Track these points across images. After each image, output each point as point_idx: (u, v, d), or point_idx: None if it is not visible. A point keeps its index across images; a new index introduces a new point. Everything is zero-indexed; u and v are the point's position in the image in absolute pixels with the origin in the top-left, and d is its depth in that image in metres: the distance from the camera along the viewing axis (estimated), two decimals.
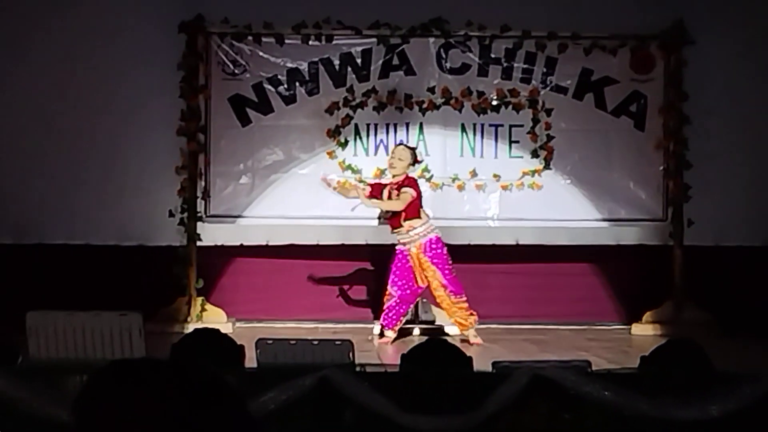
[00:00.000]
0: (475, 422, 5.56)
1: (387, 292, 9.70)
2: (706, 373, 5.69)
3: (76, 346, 5.94)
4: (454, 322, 9.69)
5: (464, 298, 9.64)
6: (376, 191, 9.82)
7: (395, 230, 9.69)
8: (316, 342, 5.99)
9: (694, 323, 10.11)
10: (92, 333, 5.95)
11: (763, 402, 5.54)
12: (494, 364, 5.85)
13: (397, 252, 9.71)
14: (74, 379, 5.55)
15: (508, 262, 10.94)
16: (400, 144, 10.02)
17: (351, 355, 5.87)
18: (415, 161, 9.78)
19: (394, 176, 9.76)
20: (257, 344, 5.93)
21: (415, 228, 9.60)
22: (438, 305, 9.85)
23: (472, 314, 9.68)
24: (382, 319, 9.72)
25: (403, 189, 9.57)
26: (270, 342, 5.93)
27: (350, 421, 5.63)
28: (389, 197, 9.65)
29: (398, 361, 5.97)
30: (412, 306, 9.87)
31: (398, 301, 9.65)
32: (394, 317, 9.66)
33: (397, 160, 9.69)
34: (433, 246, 9.60)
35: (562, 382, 5.55)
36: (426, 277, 9.60)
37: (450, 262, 9.63)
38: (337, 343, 5.96)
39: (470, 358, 5.98)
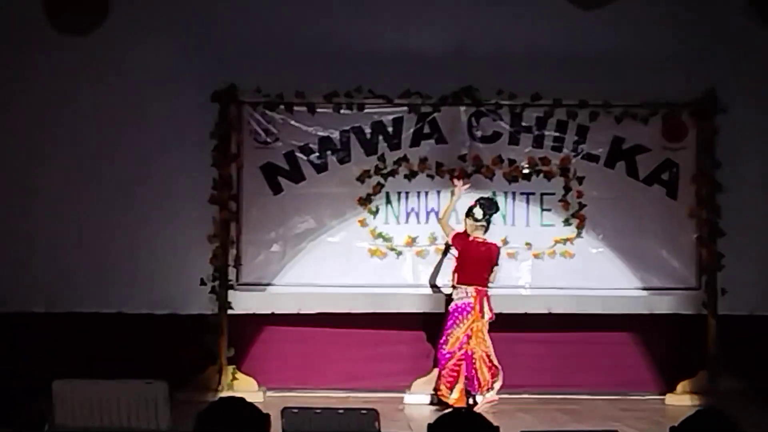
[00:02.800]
0: None
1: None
2: None
3: (102, 415, 5.92)
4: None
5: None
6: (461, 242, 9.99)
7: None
8: (341, 411, 5.94)
9: (729, 393, 10.01)
10: (118, 402, 5.94)
11: None
12: None
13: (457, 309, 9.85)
14: None
15: (540, 331, 10.84)
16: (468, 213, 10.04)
17: (377, 424, 5.82)
18: (474, 217, 9.96)
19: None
20: (283, 413, 5.89)
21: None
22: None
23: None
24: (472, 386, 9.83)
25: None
26: (296, 411, 5.89)
27: None
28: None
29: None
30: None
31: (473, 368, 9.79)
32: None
33: (471, 228, 9.91)
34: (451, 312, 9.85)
35: None
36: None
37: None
38: (363, 412, 5.91)
39: (497, 428, 5.90)
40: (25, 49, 10.60)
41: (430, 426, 5.96)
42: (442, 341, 9.79)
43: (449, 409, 8.31)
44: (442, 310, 10.21)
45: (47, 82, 10.60)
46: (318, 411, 5.95)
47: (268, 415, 5.98)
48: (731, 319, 10.42)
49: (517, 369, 10.72)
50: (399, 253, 10.57)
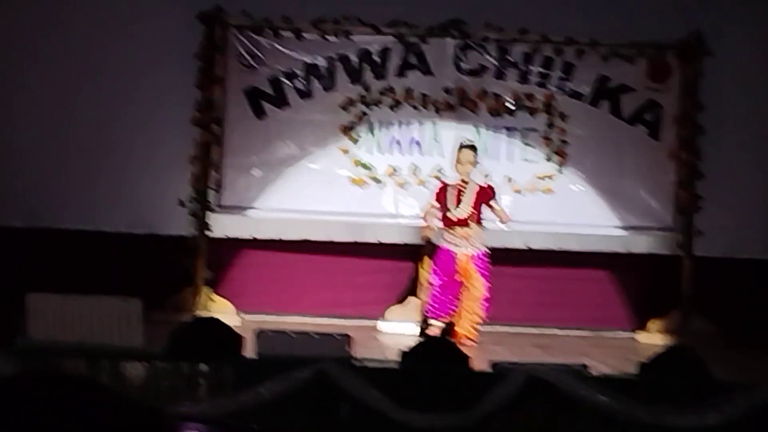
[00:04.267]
0: (470, 421, 5.56)
1: (429, 283, 9.81)
2: (703, 381, 5.68)
3: (74, 330, 5.96)
4: (460, 330, 9.67)
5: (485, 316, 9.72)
6: (441, 197, 9.81)
7: (449, 228, 9.72)
8: (315, 335, 6.00)
9: (700, 334, 10.15)
10: (91, 317, 5.97)
11: (759, 411, 5.53)
12: (492, 364, 5.86)
13: (442, 249, 9.76)
14: (72, 362, 5.57)
15: (518, 265, 10.89)
16: (467, 146, 9.85)
17: (350, 349, 5.87)
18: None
19: (460, 177, 9.77)
20: (257, 335, 5.94)
21: (470, 236, 9.67)
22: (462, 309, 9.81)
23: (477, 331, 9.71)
24: (426, 310, 9.81)
25: (494, 201, 9.72)
26: (270, 333, 5.94)
27: (346, 415, 5.64)
28: (458, 199, 9.70)
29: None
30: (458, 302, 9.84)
31: (440, 291, 9.70)
32: (440, 308, 9.73)
33: (465, 160, 9.70)
34: (483, 259, 9.71)
35: (559, 385, 5.56)
36: (469, 282, 9.65)
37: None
38: (337, 336, 5.97)
39: (468, 357, 5.98)
40: None
41: (404, 353, 6.04)
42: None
43: (422, 338, 8.43)
44: (420, 242, 10.29)
45: (32, 4, 10.52)
46: (292, 334, 6.00)
47: (241, 336, 6.05)
48: (706, 261, 10.51)
49: (492, 302, 10.79)
50: (380, 183, 10.58)
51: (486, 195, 9.72)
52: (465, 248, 9.69)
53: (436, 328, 9.72)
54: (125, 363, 5.65)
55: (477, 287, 9.64)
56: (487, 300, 9.70)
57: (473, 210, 9.69)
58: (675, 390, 5.63)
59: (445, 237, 9.77)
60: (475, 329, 9.69)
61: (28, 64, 10.52)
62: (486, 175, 10.47)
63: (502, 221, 9.82)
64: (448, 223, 9.73)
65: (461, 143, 9.86)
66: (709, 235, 10.50)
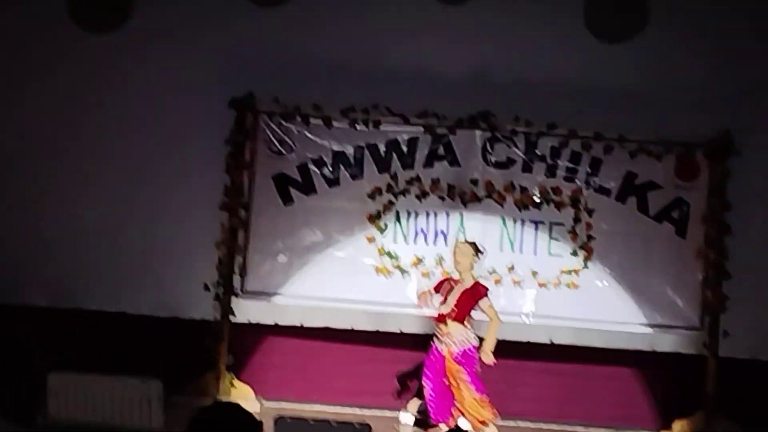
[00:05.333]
0: None
1: (423, 384, 9.80)
2: None
3: (95, 410, 5.93)
4: (469, 418, 9.59)
5: (485, 396, 9.61)
6: (438, 287, 9.92)
7: (436, 324, 9.78)
8: (334, 424, 5.95)
9: None
10: (112, 398, 5.96)
11: None
12: None
13: (432, 348, 9.77)
14: None
15: (542, 360, 10.83)
16: (463, 240, 10.03)
17: None
18: (477, 253, 9.83)
19: (456, 272, 9.84)
20: (276, 421, 5.90)
21: (450, 334, 9.66)
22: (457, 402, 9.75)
23: (492, 411, 9.62)
24: (432, 414, 9.75)
25: (484, 301, 9.71)
26: (289, 420, 5.90)
27: None
28: (445, 297, 9.78)
29: None
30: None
31: (434, 395, 9.68)
32: (437, 412, 9.72)
33: (461, 255, 9.78)
34: (468, 356, 9.67)
35: None
36: (455, 382, 9.64)
37: (477, 364, 9.63)
38: (356, 426, 5.91)
39: None
40: (46, 45, 10.66)
41: None
42: (478, 375, 9.77)
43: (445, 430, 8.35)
44: None
45: (65, 80, 10.66)
46: (311, 422, 5.96)
47: (261, 422, 6.00)
48: (731, 362, 10.40)
49: (516, 397, 10.75)
50: (405, 272, 10.57)
51: (475, 293, 9.74)
52: (447, 346, 9.69)
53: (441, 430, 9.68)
54: None
55: (462, 387, 9.61)
56: (474, 381, 9.62)
57: (455, 308, 9.69)
58: None
59: (435, 333, 9.81)
60: (482, 413, 9.61)
61: (59, 143, 10.64)
62: (510, 268, 10.49)
63: (492, 321, 9.78)
64: (435, 318, 9.80)
65: (458, 238, 9.94)
66: (735, 335, 10.40)
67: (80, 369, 6.86)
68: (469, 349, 9.67)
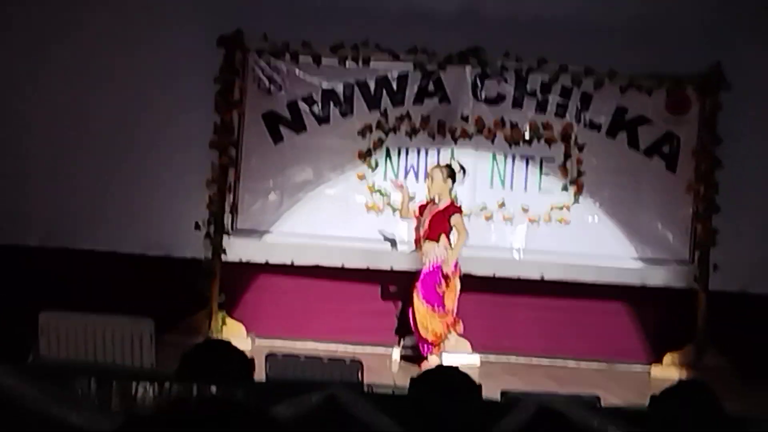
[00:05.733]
0: None
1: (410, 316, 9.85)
2: (715, 415, 5.63)
3: (86, 348, 5.95)
4: (424, 334, 9.68)
5: (442, 311, 9.67)
6: (420, 211, 9.97)
7: (417, 249, 9.94)
8: (326, 360, 5.97)
9: (714, 368, 10.11)
10: (103, 336, 5.97)
11: None
12: (503, 393, 5.82)
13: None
14: (83, 381, 5.55)
15: (533, 296, 10.87)
16: (436, 165, 10.07)
17: (360, 375, 5.85)
18: (451, 177, 9.82)
19: (431, 196, 9.88)
20: (267, 359, 5.92)
21: (427, 253, 9.76)
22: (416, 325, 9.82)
23: (448, 325, 9.71)
24: (420, 345, 9.86)
25: (454, 216, 9.74)
26: (280, 357, 5.92)
27: None
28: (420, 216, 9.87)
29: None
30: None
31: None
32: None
33: (431, 181, 9.83)
34: (432, 271, 9.70)
35: (570, 416, 5.50)
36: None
37: (439, 283, 9.67)
38: (347, 362, 5.94)
39: (480, 386, 5.94)
40: None
41: (412, 380, 6.01)
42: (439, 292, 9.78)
43: (434, 365, 8.39)
44: None
45: (49, 12, 10.56)
46: (302, 358, 5.99)
47: (252, 360, 6.03)
48: (721, 295, 10.46)
49: (507, 332, 10.81)
50: (396, 210, 10.56)
51: (446, 212, 9.77)
52: (425, 267, 9.76)
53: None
54: (136, 383, 5.62)
55: (415, 303, 9.70)
56: (435, 295, 9.68)
57: (427, 228, 9.74)
58: (686, 423, 5.57)
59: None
60: (437, 331, 9.69)
61: (46, 83, 10.58)
62: (501, 204, 10.51)
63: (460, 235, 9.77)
64: (415, 242, 9.99)
65: (433, 164, 9.96)
66: (725, 269, 10.45)
67: (72, 308, 6.87)
68: (437, 266, 9.70)
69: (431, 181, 9.85)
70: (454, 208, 9.83)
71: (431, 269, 9.69)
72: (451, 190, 9.89)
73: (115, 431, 2.54)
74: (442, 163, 10.18)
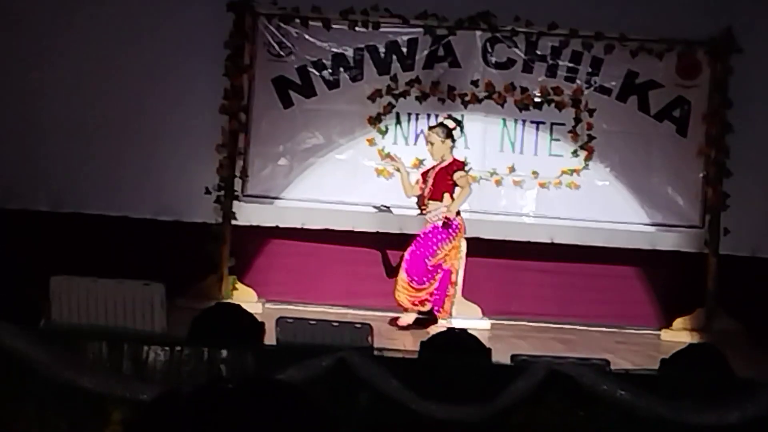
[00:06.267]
0: (490, 413, 5.54)
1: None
2: (725, 379, 5.65)
3: (97, 313, 5.98)
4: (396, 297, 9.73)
5: (418, 286, 9.69)
6: (424, 177, 9.98)
7: (422, 211, 9.94)
8: (336, 324, 5.99)
9: (725, 332, 10.10)
10: (114, 300, 5.99)
11: None
12: (513, 357, 5.84)
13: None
14: (94, 345, 5.59)
15: (543, 260, 10.89)
16: (431, 126, 10.07)
17: (370, 338, 5.87)
18: (449, 136, 9.82)
19: (435, 159, 9.89)
20: (277, 322, 5.94)
21: (432, 212, 9.78)
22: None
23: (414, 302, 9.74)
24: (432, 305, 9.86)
25: (458, 173, 9.75)
26: (290, 321, 5.94)
27: (365, 404, 5.62)
28: (425, 181, 9.87)
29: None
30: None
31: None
32: (439, 299, 9.82)
33: (431, 146, 9.85)
34: (431, 231, 9.71)
35: (579, 379, 5.52)
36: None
37: (434, 250, 9.67)
38: (357, 326, 5.96)
39: (489, 350, 5.98)
40: None
41: (422, 343, 6.04)
42: (428, 264, 9.80)
43: (444, 328, 8.42)
44: None
45: None
46: (312, 322, 6.01)
47: (262, 324, 6.06)
48: (732, 260, 10.45)
49: (517, 296, 10.84)
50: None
51: (449, 168, 9.78)
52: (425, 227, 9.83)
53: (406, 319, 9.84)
54: (147, 347, 5.65)
55: (399, 273, 9.73)
56: (421, 268, 9.68)
57: (431, 187, 9.78)
58: (697, 387, 5.59)
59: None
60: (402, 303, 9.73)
61: (56, 48, 10.57)
62: (511, 169, 10.51)
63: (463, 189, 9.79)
64: (421, 204, 9.95)
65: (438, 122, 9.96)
66: (736, 233, 10.45)
67: (83, 273, 6.88)
68: (435, 227, 9.74)
69: (431, 146, 9.86)
70: (457, 164, 9.83)
71: (429, 230, 9.71)
72: (452, 148, 9.87)
73: (152, 401, 2.55)
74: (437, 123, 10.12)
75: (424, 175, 9.97)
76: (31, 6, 10.56)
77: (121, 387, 5.34)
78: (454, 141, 9.87)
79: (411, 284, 9.67)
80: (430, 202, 9.78)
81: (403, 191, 10.12)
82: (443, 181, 9.75)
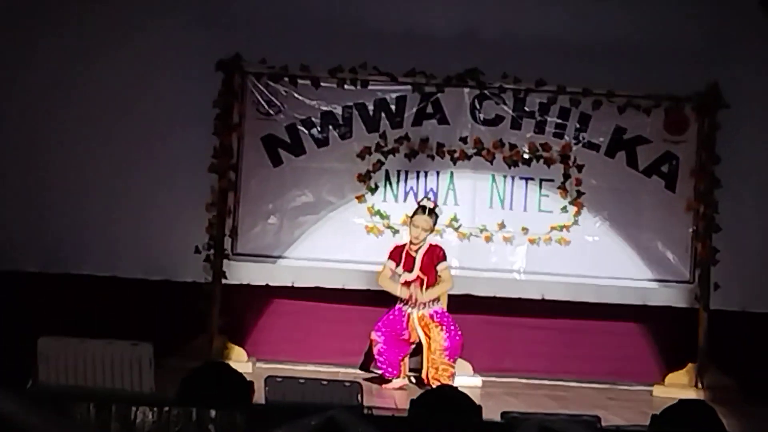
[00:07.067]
0: None
1: (372, 339, 9.94)
2: None
3: (86, 374, 5.94)
4: (432, 378, 9.69)
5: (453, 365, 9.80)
6: (395, 258, 10.05)
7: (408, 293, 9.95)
8: (325, 382, 5.97)
9: (717, 387, 10.13)
10: (102, 361, 5.96)
11: None
12: (503, 414, 5.82)
13: (394, 309, 10.01)
14: (82, 407, 5.56)
15: (534, 317, 10.88)
16: (425, 208, 10.01)
17: (360, 397, 5.85)
18: (434, 217, 10.02)
19: (415, 242, 9.98)
20: (266, 381, 5.92)
21: (426, 298, 9.89)
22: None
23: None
24: (381, 367, 9.98)
25: (441, 265, 9.92)
26: (279, 380, 5.92)
27: None
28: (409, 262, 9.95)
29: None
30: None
31: (385, 348, 9.87)
32: (387, 363, 9.92)
33: (416, 228, 9.95)
34: (441, 314, 9.90)
35: None
36: (430, 336, 9.78)
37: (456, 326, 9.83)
38: (347, 384, 5.94)
39: (480, 407, 5.95)
40: (42, 13, 10.59)
41: (412, 401, 6.01)
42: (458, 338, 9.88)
43: (433, 386, 8.41)
44: None
45: (54, 47, 10.58)
46: (302, 381, 5.99)
47: (251, 383, 6.03)
48: (723, 315, 10.45)
49: (508, 353, 10.82)
50: (396, 232, 10.57)
51: (433, 256, 9.92)
52: (418, 309, 9.90)
53: (394, 384, 9.84)
54: (135, 408, 5.62)
55: (438, 340, 9.74)
56: (457, 346, 9.77)
57: (421, 274, 9.87)
58: None
59: (402, 299, 10.00)
60: (449, 375, 9.74)
61: (49, 109, 10.57)
62: (501, 225, 10.53)
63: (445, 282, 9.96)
64: (405, 285, 9.97)
65: (419, 204, 9.96)
66: (726, 288, 10.45)
67: (72, 335, 6.85)
68: (441, 310, 9.90)
69: (418, 230, 9.94)
70: (439, 252, 10.00)
71: (441, 313, 9.92)
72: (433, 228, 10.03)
73: None
74: (423, 201, 10.16)
75: (397, 255, 10.00)
76: (23, 66, 10.57)
77: None
78: (436, 219, 10.06)
79: (376, 341, 9.85)
80: (427, 289, 9.91)
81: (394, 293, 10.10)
82: (430, 268, 9.91)
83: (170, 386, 6.11)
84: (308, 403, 5.65)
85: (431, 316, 9.84)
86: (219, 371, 5.97)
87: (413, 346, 9.98)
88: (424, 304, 9.87)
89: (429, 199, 10.16)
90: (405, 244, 10.06)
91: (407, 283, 9.93)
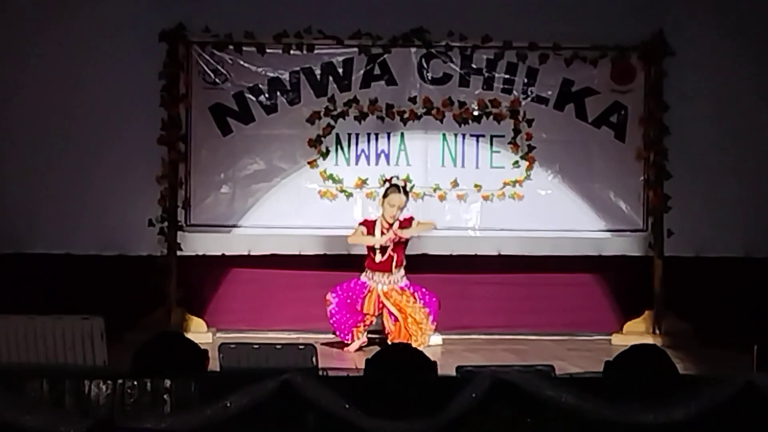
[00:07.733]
0: (437, 426, 5.56)
1: (326, 299, 9.89)
2: (669, 377, 5.69)
3: (37, 351, 5.93)
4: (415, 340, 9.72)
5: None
6: (369, 228, 9.98)
7: (370, 269, 9.95)
8: (279, 347, 5.98)
9: (674, 333, 10.23)
10: (54, 337, 5.95)
11: (725, 404, 5.53)
12: (458, 368, 5.85)
13: (358, 280, 9.99)
14: (35, 383, 5.54)
15: (490, 272, 10.92)
16: (397, 186, 9.99)
17: (314, 359, 5.86)
18: (406, 192, 10.04)
19: (389, 219, 9.94)
20: (220, 348, 5.93)
21: (395, 275, 9.96)
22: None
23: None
24: (334, 328, 9.93)
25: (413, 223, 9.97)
26: (233, 346, 5.93)
27: (313, 425, 5.62)
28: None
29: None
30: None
31: (337, 309, 9.86)
32: (338, 326, 9.90)
33: (392, 207, 9.90)
34: (408, 285, 9.95)
35: (525, 387, 5.55)
36: (406, 310, 9.79)
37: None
38: (301, 347, 5.95)
39: (435, 363, 5.98)
40: None
41: (367, 360, 6.04)
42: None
43: (387, 345, 8.44)
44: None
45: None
46: (255, 346, 5.99)
47: (206, 351, 6.04)
48: (677, 261, 10.54)
49: (466, 310, 10.86)
50: (349, 195, 10.57)
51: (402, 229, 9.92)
52: (384, 285, 9.91)
53: (354, 346, 9.82)
54: (89, 382, 5.62)
55: (416, 311, 9.80)
56: (434, 311, 9.84)
57: (392, 253, 9.88)
58: (641, 387, 5.63)
59: (366, 274, 9.98)
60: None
61: None
62: (454, 183, 10.54)
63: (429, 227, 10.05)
64: (371, 265, 9.94)
65: (392, 183, 9.96)
66: (680, 235, 10.53)
67: (26, 313, 6.82)
68: (407, 283, 9.94)
69: (394, 209, 9.89)
70: (406, 221, 9.99)
71: (407, 285, 9.94)
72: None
73: None
74: (390, 178, 10.15)
75: (371, 227, 9.98)
76: None
77: (65, 423, 5.31)
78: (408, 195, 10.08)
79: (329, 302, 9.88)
80: (397, 269, 9.93)
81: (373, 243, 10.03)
82: (401, 245, 9.93)
83: (129, 360, 6.11)
84: (262, 368, 5.66)
85: (402, 290, 9.84)
86: (172, 341, 5.97)
87: (369, 320, 9.91)
88: (394, 280, 9.88)
89: (398, 177, 10.13)
90: (375, 220, 10.03)
91: (380, 265, 9.92)
